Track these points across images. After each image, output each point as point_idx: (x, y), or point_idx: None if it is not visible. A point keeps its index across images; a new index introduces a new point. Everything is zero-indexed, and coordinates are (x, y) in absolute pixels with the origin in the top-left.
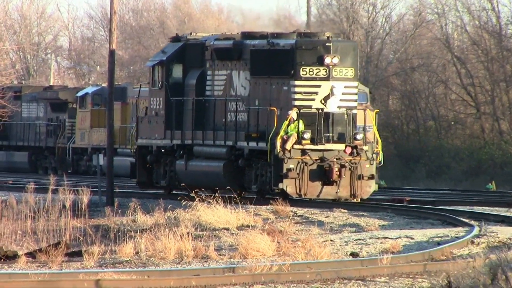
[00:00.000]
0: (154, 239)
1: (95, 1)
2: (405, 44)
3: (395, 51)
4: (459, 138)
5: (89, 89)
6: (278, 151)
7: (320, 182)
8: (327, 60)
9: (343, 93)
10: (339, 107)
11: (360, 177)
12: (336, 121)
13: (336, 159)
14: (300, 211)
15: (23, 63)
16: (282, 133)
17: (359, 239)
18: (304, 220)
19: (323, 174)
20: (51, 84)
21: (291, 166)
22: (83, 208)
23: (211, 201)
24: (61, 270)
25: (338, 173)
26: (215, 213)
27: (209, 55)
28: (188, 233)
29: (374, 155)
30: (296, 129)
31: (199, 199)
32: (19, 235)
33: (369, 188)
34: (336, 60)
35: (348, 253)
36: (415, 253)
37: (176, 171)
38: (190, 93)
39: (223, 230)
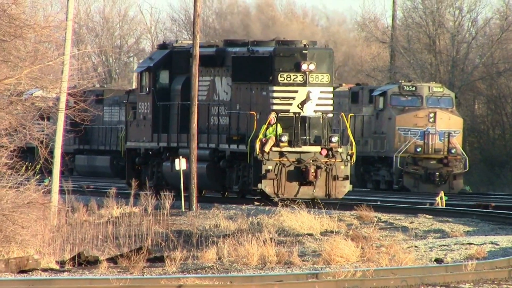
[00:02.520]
0: (237, 245)
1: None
2: (491, 48)
3: (481, 56)
4: None
5: None
6: (257, 153)
7: (297, 183)
8: (304, 66)
9: (319, 98)
10: (315, 111)
11: (335, 177)
12: (313, 125)
13: (312, 160)
14: (385, 216)
15: (105, 66)
16: (261, 136)
17: (444, 245)
18: (388, 226)
19: (300, 175)
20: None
21: (270, 167)
22: (165, 213)
23: (295, 206)
24: (143, 275)
25: (314, 174)
26: (299, 218)
27: None
28: (271, 238)
29: (349, 157)
30: (274, 132)
31: (282, 205)
32: (101, 240)
33: (343, 188)
34: (312, 66)
35: (433, 259)
36: (500, 259)
37: (163, 172)
38: (176, 98)
39: (306, 235)
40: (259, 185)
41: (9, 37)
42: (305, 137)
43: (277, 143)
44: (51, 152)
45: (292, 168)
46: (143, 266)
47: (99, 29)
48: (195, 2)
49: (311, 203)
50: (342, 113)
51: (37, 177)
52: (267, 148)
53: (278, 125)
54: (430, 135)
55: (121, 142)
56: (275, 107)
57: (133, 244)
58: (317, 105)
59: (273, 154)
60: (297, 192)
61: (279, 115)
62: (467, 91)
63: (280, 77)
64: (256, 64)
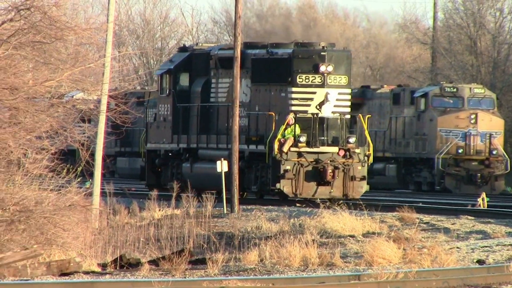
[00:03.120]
0: (279, 246)
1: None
2: None
3: None
4: None
5: None
6: (276, 153)
7: (315, 183)
8: (322, 68)
9: (337, 99)
10: (333, 112)
11: (353, 178)
12: (330, 126)
13: (330, 161)
14: (426, 218)
15: (146, 69)
16: (279, 136)
17: (486, 246)
18: (430, 227)
19: (317, 175)
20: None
21: (288, 167)
22: (207, 215)
23: (336, 208)
24: (185, 278)
25: (331, 174)
26: (341, 220)
27: (214, 64)
28: (313, 240)
29: (366, 158)
30: (293, 133)
31: (324, 206)
32: (142, 243)
33: (361, 188)
34: (330, 68)
35: (475, 260)
36: None
37: (182, 173)
38: (196, 99)
39: (348, 237)
40: (277, 185)
41: (50, 39)
42: (323, 138)
43: (295, 143)
44: (92, 155)
45: (310, 168)
46: (185, 268)
47: (140, 31)
48: (236, 3)
49: (352, 205)
50: (360, 115)
51: (78, 179)
52: (285, 149)
53: (297, 125)
54: (472, 137)
55: (141, 143)
56: (293, 108)
57: (175, 246)
58: (335, 106)
59: (291, 154)
60: (315, 192)
61: (298, 116)
62: (509, 92)
63: (299, 78)
64: (275, 66)
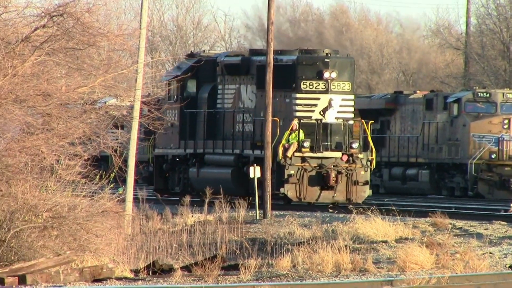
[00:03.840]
0: (312, 252)
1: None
2: None
3: None
4: None
5: None
6: (280, 158)
7: (319, 187)
8: (326, 74)
9: (340, 105)
10: (337, 118)
11: (356, 182)
12: (334, 131)
13: (333, 166)
14: (459, 223)
15: None
16: (283, 141)
17: None
18: (463, 233)
19: (321, 180)
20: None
21: (292, 172)
22: (240, 221)
23: (369, 213)
24: (217, 283)
25: (335, 179)
26: (373, 225)
27: (220, 71)
28: (345, 245)
29: (368, 163)
30: (297, 138)
31: (356, 212)
32: (175, 249)
33: (363, 193)
34: (334, 74)
35: (507, 266)
36: None
37: (189, 178)
38: (203, 105)
39: (381, 242)
40: (282, 189)
41: (83, 45)
42: (326, 143)
43: (299, 148)
44: (125, 161)
45: (313, 173)
46: (217, 274)
47: (172, 37)
48: (268, 9)
49: (385, 210)
50: (363, 120)
51: (111, 185)
52: (289, 154)
53: (301, 131)
54: (505, 142)
55: (149, 149)
56: (297, 114)
57: (208, 252)
58: (338, 112)
59: (295, 159)
60: (318, 197)
61: (302, 121)
62: None
63: (303, 84)
64: (280, 72)
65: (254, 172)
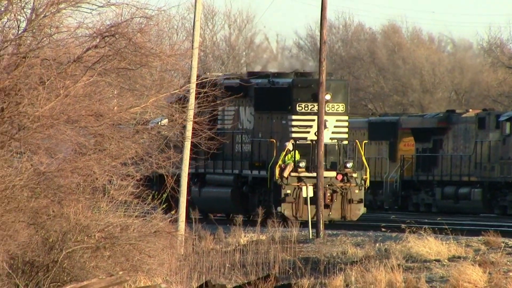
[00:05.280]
0: (364, 271)
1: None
2: None
3: None
4: None
5: None
6: (277, 178)
7: (314, 206)
8: None
9: (335, 126)
10: (331, 138)
11: (350, 201)
12: (329, 151)
13: (329, 185)
14: None
15: None
16: (280, 162)
17: None
18: None
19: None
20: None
21: (288, 191)
22: (292, 240)
23: (422, 232)
24: None
25: (330, 197)
26: (426, 244)
27: (220, 93)
28: (398, 265)
29: (363, 181)
30: (293, 159)
31: (409, 231)
32: (228, 269)
33: (358, 211)
34: (328, 96)
35: None
36: None
37: (192, 197)
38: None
39: (434, 261)
40: (279, 208)
41: (135, 65)
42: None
43: (296, 168)
44: (178, 181)
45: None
46: None
47: (225, 57)
48: (321, 29)
49: (438, 229)
50: (357, 141)
51: (164, 206)
52: (286, 174)
53: (296, 151)
54: None
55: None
56: (293, 135)
57: (260, 271)
58: (333, 133)
59: (291, 179)
60: (314, 215)
61: (298, 142)
62: None
63: (298, 106)
64: (276, 95)
65: (307, 191)
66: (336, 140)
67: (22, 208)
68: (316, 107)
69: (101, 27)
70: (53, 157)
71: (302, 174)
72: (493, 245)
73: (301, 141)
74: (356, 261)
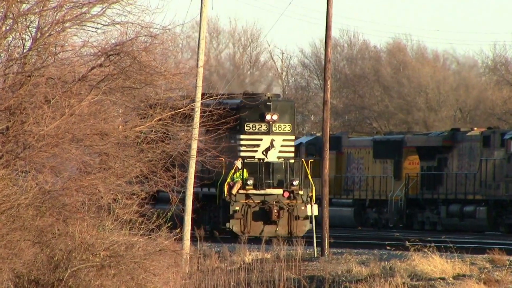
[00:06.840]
0: None
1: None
2: None
3: None
4: None
5: (303, 139)
6: (226, 195)
7: (262, 222)
8: (268, 117)
9: (281, 146)
10: (278, 157)
11: (297, 217)
12: (276, 170)
13: (276, 202)
14: None
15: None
16: (229, 180)
17: None
18: None
19: (264, 215)
20: None
21: (237, 208)
22: (297, 258)
23: (426, 250)
24: None
25: (277, 214)
26: (431, 262)
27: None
28: (403, 283)
29: (309, 198)
30: (241, 177)
31: (414, 249)
32: (233, 287)
33: (304, 227)
34: (275, 117)
35: None
36: None
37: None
38: None
39: (438, 279)
40: (227, 224)
41: (140, 84)
42: (269, 181)
43: (244, 186)
44: (183, 199)
45: (257, 209)
46: None
47: (229, 76)
48: (326, 47)
49: (444, 247)
50: (303, 159)
51: (169, 224)
52: (234, 191)
53: (245, 170)
54: None
55: None
56: (242, 154)
57: None
58: (279, 151)
59: (239, 196)
60: (262, 231)
61: (245, 160)
62: None
63: (247, 126)
64: (226, 115)
65: (312, 210)
66: (282, 159)
67: (27, 227)
68: (263, 127)
69: (106, 46)
70: (58, 176)
71: (250, 192)
72: (498, 263)
73: (249, 160)
74: (361, 279)
